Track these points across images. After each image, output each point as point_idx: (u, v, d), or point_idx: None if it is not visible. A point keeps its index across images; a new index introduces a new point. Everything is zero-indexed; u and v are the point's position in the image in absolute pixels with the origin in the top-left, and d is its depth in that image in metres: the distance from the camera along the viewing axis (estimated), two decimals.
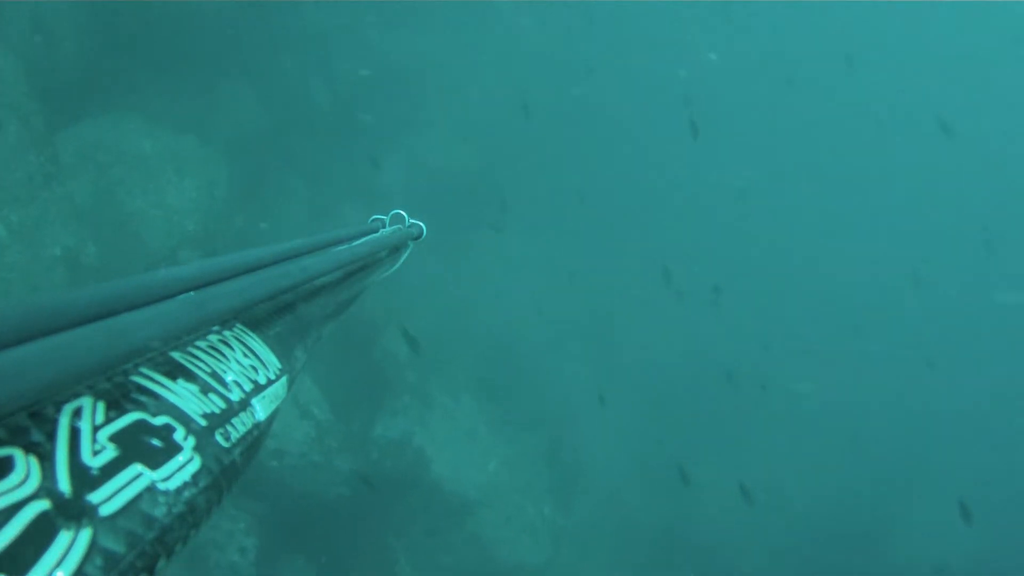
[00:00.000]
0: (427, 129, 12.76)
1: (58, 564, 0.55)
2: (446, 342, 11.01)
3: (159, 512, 0.67)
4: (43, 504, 0.57)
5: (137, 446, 0.69)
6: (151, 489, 0.68)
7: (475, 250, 12.89)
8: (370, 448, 9.34)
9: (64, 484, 0.60)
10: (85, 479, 0.62)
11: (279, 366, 1.07)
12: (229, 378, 0.91)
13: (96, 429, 0.67)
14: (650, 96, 17.14)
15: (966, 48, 21.62)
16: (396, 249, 1.85)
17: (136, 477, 0.67)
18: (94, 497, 0.61)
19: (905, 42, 21.53)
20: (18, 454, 0.59)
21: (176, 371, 0.83)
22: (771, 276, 17.02)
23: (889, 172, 20.81)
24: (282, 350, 1.11)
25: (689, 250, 15.51)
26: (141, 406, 0.74)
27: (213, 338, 0.96)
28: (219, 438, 0.82)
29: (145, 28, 9.49)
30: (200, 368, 0.87)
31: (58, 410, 0.65)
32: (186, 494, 0.72)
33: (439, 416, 10.42)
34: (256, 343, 1.05)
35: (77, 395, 0.67)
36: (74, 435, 0.64)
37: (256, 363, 1.01)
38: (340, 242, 1.47)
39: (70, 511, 0.59)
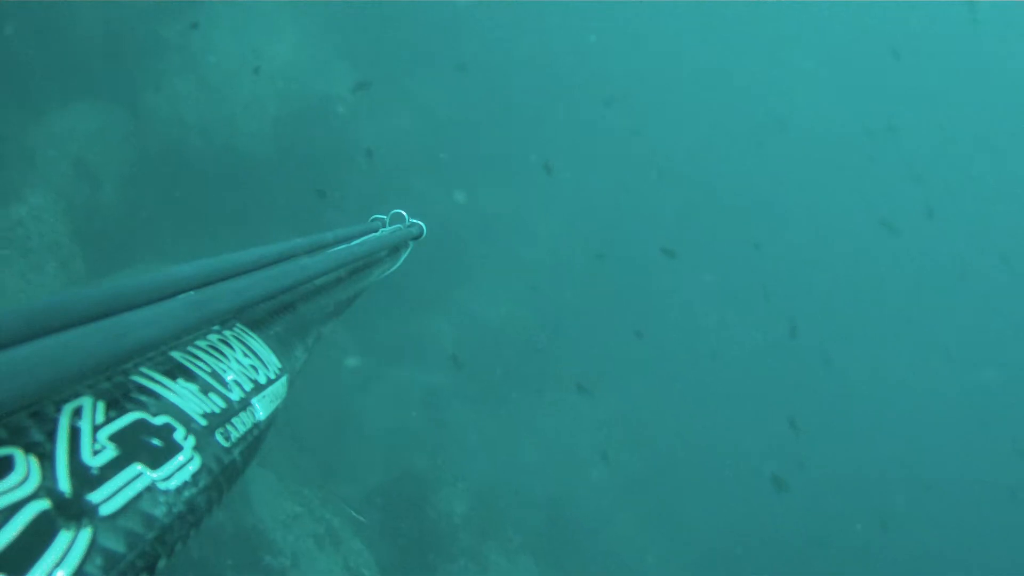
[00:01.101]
0: (477, 283, 12.68)
1: (58, 564, 0.55)
2: (501, 500, 10.73)
3: (159, 512, 0.67)
4: (43, 504, 0.57)
5: (137, 446, 0.69)
6: (151, 489, 0.67)
7: (529, 405, 12.53)
8: None
9: (64, 484, 0.60)
10: (85, 479, 0.62)
11: (279, 365, 1.07)
12: (229, 377, 0.91)
13: (96, 429, 0.67)
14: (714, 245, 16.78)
15: None
16: (396, 249, 1.85)
17: (136, 477, 0.67)
18: (94, 497, 0.61)
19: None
20: (18, 454, 0.59)
21: (176, 371, 0.83)
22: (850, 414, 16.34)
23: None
24: (282, 349, 1.11)
25: (757, 396, 14.82)
26: (141, 406, 0.74)
27: (213, 338, 0.96)
28: (219, 438, 0.82)
29: (188, 176, 9.58)
30: (200, 368, 0.88)
31: (58, 410, 0.65)
32: (186, 494, 0.72)
33: None
34: (256, 343, 1.05)
35: (77, 395, 0.68)
36: (74, 435, 0.64)
37: (256, 363, 1.01)
38: (340, 242, 1.47)
39: (70, 511, 0.59)
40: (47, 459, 0.60)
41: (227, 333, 1.00)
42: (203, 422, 0.80)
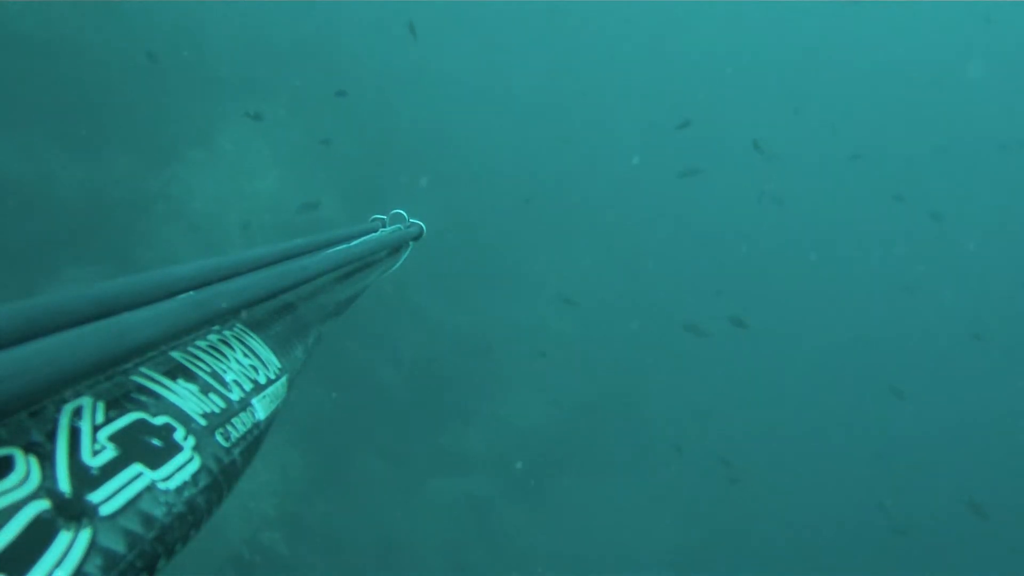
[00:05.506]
0: (507, 392, 12.69)
1: (58, 564, 0.55)
2: None
3: (159, 512, 0.67)
4: (43, 504, 0.57)
5: (137, 446, 0.69)
6: (151, 489, 0.67)
7: (566, 502, 12.32)
8: None
9: (64, 484, 0.60)
10: (85, 479, 0.62)
11: (279, 366, 1.07)
12: (229, 378, 0.91)
13: (96, 429, 0.66)
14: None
15: None
16: (396, 249, 1.84)
17: (136, 477, 0.66)
18: (94, 497, 0.61)
19: None
20: (18, 454, 0.59)
21: (176, 371, 0.83)
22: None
23: None
24: (282, 350, 1.11)
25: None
26: (141, 406, 0.74)
27: (213, 338, 0.96)
28: (219, 438, 0.82)
29: None
30: (200, 368, 0.87)
31: (58, 410, 0.65)
32: (186, 494, 0.72)
33: None
34: (256, 343, 1.05)
35: (77, 395, 0.67)
36: (74, 435, 0.64)
37: (256, 363, 1.01)
38: (340, 242, 1.47)
39: (70, 511, 0.59)
40: (47, 459, 0.60)
41: (227, 333, 1.00)
42: (203, 422, 0.80)
